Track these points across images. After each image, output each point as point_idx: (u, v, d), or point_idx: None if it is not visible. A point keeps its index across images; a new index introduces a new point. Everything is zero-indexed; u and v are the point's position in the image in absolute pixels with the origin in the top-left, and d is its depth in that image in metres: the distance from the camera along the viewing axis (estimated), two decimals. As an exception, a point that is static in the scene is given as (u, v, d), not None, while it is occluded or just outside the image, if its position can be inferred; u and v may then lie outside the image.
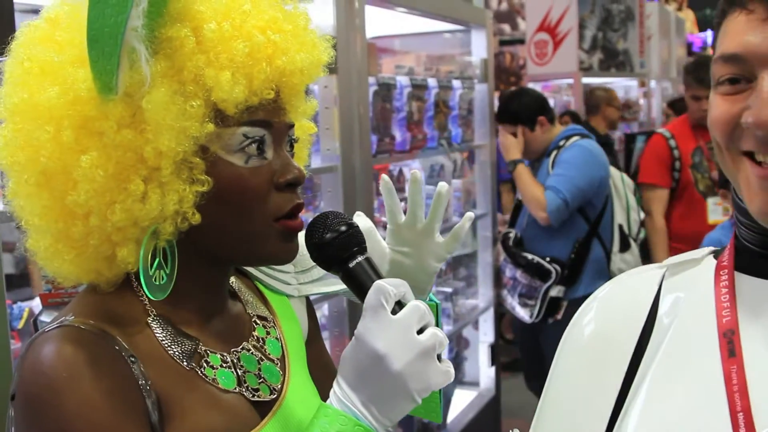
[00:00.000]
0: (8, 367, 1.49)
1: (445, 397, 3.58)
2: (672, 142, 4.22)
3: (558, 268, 3.72)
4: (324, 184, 2.74)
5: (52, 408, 0.93)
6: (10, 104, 1.00)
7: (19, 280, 2.22)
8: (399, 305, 1.00)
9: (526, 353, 4.13)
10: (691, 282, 0.99)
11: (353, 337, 1.00)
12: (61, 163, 0.97)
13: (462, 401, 3.88)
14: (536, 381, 4.05)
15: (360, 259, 1.07)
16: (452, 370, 1.01)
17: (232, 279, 1.20)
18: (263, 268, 1.27)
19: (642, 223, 4.15)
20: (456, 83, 3.61)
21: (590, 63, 7.84)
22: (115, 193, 0.98)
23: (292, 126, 1.10)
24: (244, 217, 1.04)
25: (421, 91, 3.27)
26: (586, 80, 7.76)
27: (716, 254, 1.02)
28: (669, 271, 1.02)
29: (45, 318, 1.36)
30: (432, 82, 3.39)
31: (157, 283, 1.02)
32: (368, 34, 2.83)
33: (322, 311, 2.74)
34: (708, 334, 0.92)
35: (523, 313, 3.82)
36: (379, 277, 1.05)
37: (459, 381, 3.97)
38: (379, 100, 3.00)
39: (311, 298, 1.35)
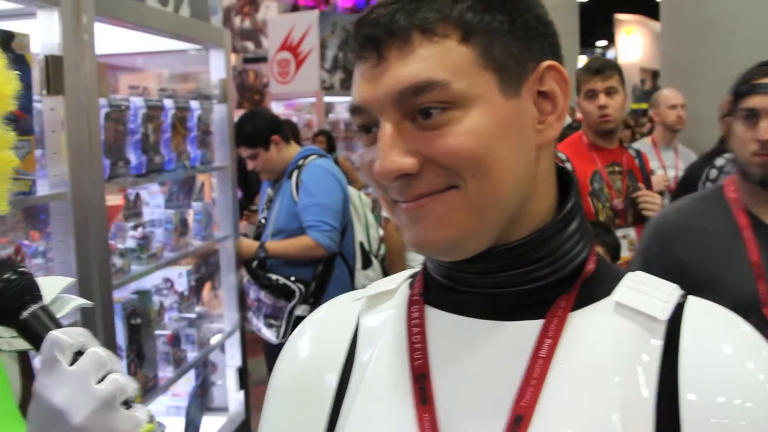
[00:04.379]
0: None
1: (192, 425, 3.49)
2: (569, 166, 3.09)
3: (302, 287, 3.75)
4: (53, 211, 2.58)
5: None
6: None
7: None
8: (79, 355, 0.94)
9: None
10: (387, 317, 0.95)
11: (32, 395, 0.94)
12: None
13: (212, 428, 3.79)
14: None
15: (33, 308, 0.99)
16: (140, 415, 0.94)
17: None
18: None
19: (381, 240, 4.29)
20: (194, 104, 3.54)
21: (332, 82, 8.02)
22: None
23: None
24: None
25: (157, 112, 3.17)
26: (327, 99, 7.94)
27: (413, 281, 0.97)
28: (367, 303, 0.98)
29: None
30: (168, 102, 3.29)
31: None
32: (102, 52, 2.70)
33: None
34: (402, 378, 0.88)
35: (269, 335, 3.81)
36: (58, 326, 0.99)
37: (207, 407, 3.88)
38: (111, 123, 2.87)
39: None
